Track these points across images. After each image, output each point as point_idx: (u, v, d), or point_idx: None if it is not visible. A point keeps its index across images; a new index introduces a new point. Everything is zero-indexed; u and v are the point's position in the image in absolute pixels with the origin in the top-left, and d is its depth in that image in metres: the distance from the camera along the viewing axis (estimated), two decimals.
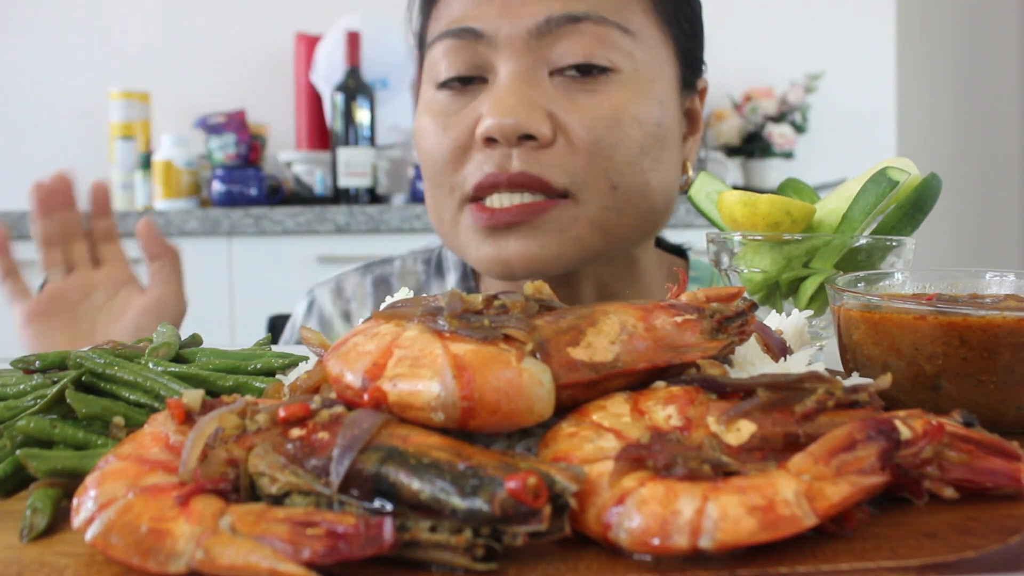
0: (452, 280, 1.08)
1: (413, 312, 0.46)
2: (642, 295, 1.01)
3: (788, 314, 0.64)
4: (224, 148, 2.57)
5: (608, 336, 0.45)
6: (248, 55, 2.89)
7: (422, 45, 0.96)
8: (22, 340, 1.00)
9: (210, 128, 2.60)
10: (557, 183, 0.84)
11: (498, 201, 0.85)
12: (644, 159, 0.86)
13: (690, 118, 0.97)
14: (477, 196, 0.86)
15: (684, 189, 0.95)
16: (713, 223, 0.80)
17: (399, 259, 1.12)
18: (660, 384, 0.45)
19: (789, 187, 0.81)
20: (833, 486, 0.37)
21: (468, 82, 0.88)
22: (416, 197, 2.52)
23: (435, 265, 1.10)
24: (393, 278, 1.10)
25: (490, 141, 0.84)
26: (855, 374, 0.56)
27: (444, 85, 0.89)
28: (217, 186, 2.51)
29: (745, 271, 0.72)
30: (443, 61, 0.88)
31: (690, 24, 0.94)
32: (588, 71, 0.85)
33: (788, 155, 2.76)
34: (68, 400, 0.49)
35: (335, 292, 1.12)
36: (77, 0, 2.85)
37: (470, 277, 1.07)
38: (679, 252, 1.12)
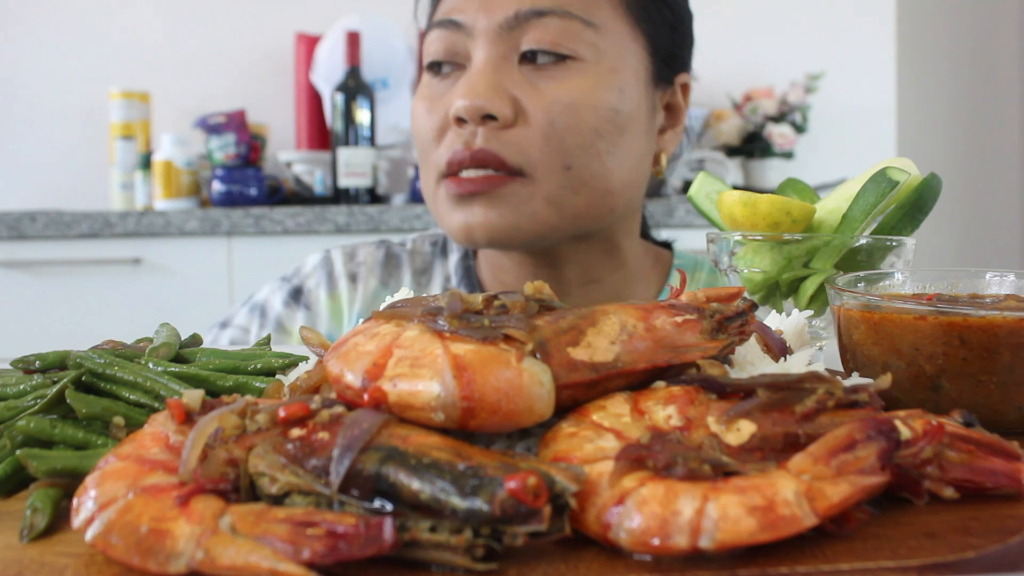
0: (454, 260, 1.14)
1: (413, 312, 0.46)
2: (627, 282, 1.06)
3: (788, 314, 0.64)
4: (224, 148, 2.57)
5: (608, 336, 0.45)
6: (248, 55, 2.89)
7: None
8: None
9: (210, 128, 2.59)
10: (511, 161, 0.92)
11: (466, 175, 0.94)
12: (599, 142, 0.93)
13: (670, 111, 1.04)
14: (449, 172, 0.95)
15: (657, 176, 1.03)
16: (713, 223, 0.80)
17: (411, 239, 1.19)
18: (660, 384, 0.45)
19: (789, 187, 0.82)
20: (833, 486, 0.37)
21: (450, 68, 0.98)
22: (416, 197, 2.52)
23: (440, 246, 1.17)
24: (403, 254, 1.16)
25: (460, 121, 0.93)
26: (855, 374, 0.56)
27: (428, 68, 0.99)
28: (217, 186, 2.51)
29: (745, 271, 0.72)
30: (431, 47, 0.98)
31: (666, 23, 1.00)
32: (551, 58, 0.93)
33: (788, 155, 2.76)
34: (68, 400, 0.49)
35: (348, 255, 1.16)
36: (77, 0, 2.85)
37: (470, 257, 1.14)
38: (665, 246, 1.18)
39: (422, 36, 1.05)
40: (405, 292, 0.60)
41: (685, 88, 1.05)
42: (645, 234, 1.15)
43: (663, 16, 1.00)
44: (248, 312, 1.14)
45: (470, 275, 1.12)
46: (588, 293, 1.04)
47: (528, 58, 0.93)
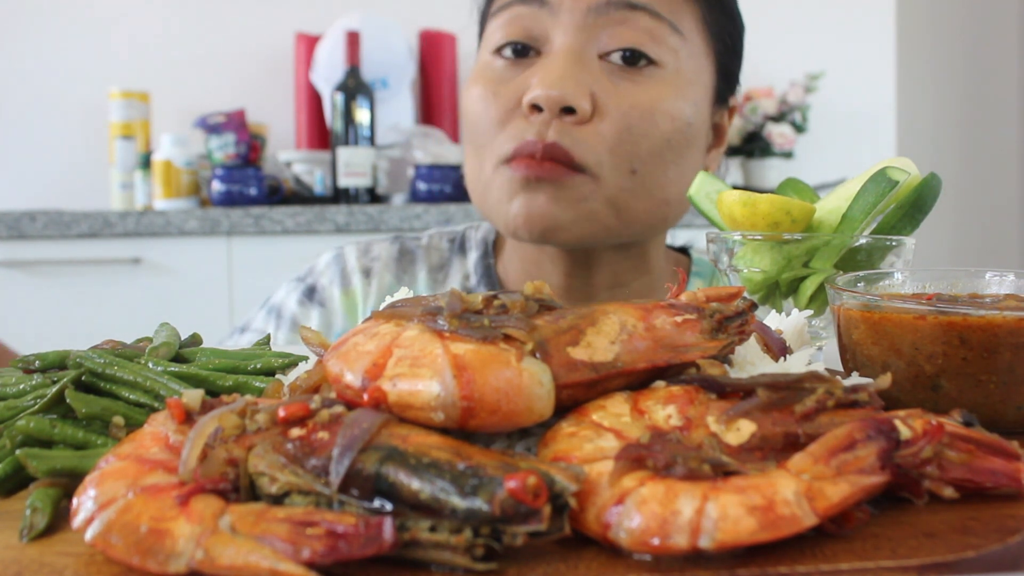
0: (473, 258, 1.12)
1: (413, 312, 0.46)
2: (651, 288, 1.06)
3: (788, 314, 0.64)
4: (224, 148, 2.57)
5: (608, 336, 0.45)
6: (248, 55, 2.89)
7: (484, 17, 1.02)
8: None
9: (210, 128, 2.59)
10: (580, 159, 0.90)
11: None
12: (667, 152, 0.93)
13: (717, 132, 1.04)
14: (513, 158, 0.92)
15: None
16: (713, 223, 0.80)
17: (427, 235, 1.17)
18: (660, 384, 0.45)
19: (789, 187, 0.81)
20: (833, 486, 0.37)
21: (523, 54, 0.94)
22: (415, 197, 2.52)
23: (459, 244, 1.16)
24: (419, 250, 1.15)
25: (535, 109, 0.90)
26: (855, 374, 0.56)
27: (499, 51, 0.95)
28: (217, 186, 2.51)
29: (745, 271, 0.72)
30: (504, 29, 0.94)
31: (732, 41, 1.00)
32: (634, 61, 0.91)
33: (788, 155, 2.76)
34: (68, 400, 0.49)
35: (362, 250, 1.15)
36: (77, 0, 2.85)
37: (490, 255, 1.12)
38: (683, 252, 1.17)
39: (481, 12, 1.03)
40: (405, 292, 0.60)
41: (732, 110, 1.05)
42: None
43: (731, 35, 1.00)
44: (265, 315, 1.14)
45: (490, 274, 1.10)
46: (613, 297, 1.04)
47: (608, 56, 0.91)
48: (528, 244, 1.02)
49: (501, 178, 0.94)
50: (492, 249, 1.13)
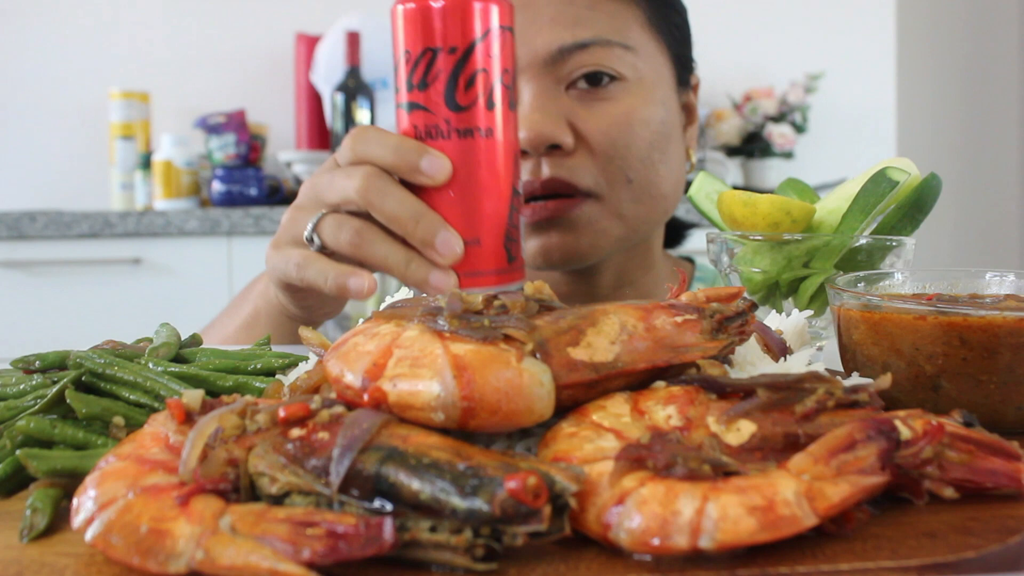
0: None
1: (413, 312, 0.46)
2: (656, 284, 1.10)
3: (788, 314, 0.64)
4: (224, 148, 2.57)
5: (608, 336, 0.45)
6: (248, 55, 2.89)
7: None
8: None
9: (210, 128, 2.60)
10: (582, 185, 0.94)
11: (535, 204, 0.95)
12: (653, 153, 0.98)
13: (687, 111, 1.09)
14: None
15: (691, 171, 1.08)
16: (713, 223, 0.80)
17: None
18: (660, 384, 0.45)
19: (789, 187, 0.82)
20: (833, 486, 0.37)
21: None
22: None
23: None
24: None
25: (522, 154, 0.93)
26: (855, 374, 0.56)
27: None
28: (217, 186, 2.51)
29: (745, 271, 0.72)
30: None
31: (679, 29, 1.05)
32: (597, 81, 0.96)
33: (788, 155, 2.76)
34: (68, 400, 0.49)
35: None
36: (77, 0, 2.85)
37: None
38: (688, 261, 1.22)
39: None
40: (405, 292, 0.60)
41: (695, 87, 1.10)
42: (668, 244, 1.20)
43: (675, 22, 1.04)
44: None
45: None
46: (622, 296, 1.07)
47: (573, 85, 0.96)
48: None
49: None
50: None
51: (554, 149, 0.93)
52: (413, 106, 0.72)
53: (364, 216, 0.73)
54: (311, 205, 0.78)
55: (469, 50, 0.70)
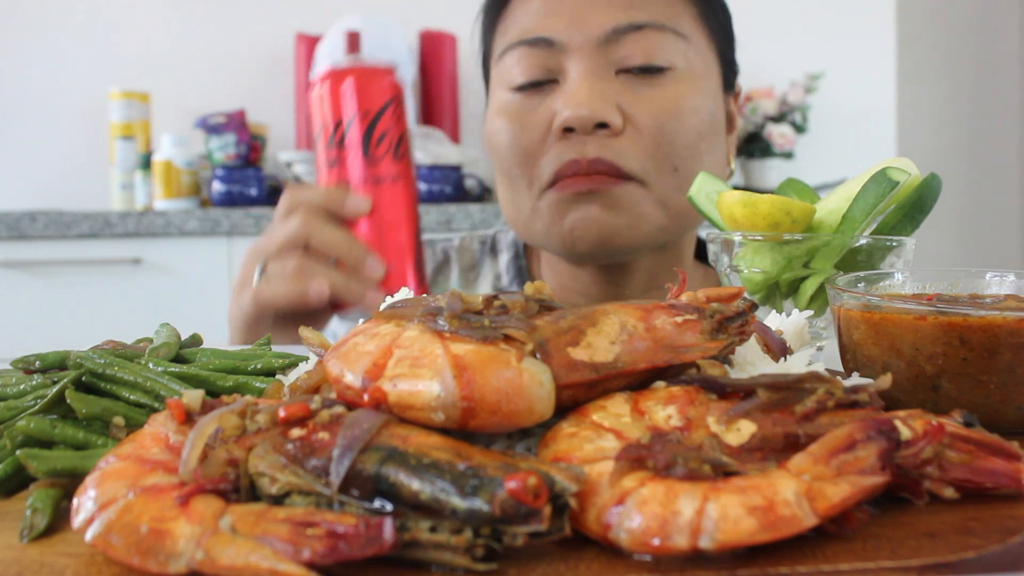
0: (505, 259, 1.16)
1: (413, 312, 0.46)
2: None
3: (788, 314, 0.64)
4: (224, 148, 2.57)
5: (608, 336, 0.45)
6: (248, 55, 2.89)
7: (487, 56, 1.06)
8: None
9: (210, 128, 2.59)
10: (627, 168, 0.94)
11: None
12: (700, 144, 0.97)
13: (728, 118, 1.09)
14: (556, 182, 0.96)
15: (730, 177, 1.08)
16: (713, 223, 0.80)
17: (458, 237, 1.22)
18: (660, 384, 0.45)
19: (789, 187, 0.81)
20: (833, 486, 0.37)
21: (539, 85, 0.98)
22: None
23: (489, 246, 1.20)
24: (452, 251, 1.19)
25: (567, 131, 0.93)
26: (855, 374, 0.56)
27: (519, 89, 0.99)
28: (217, 186, 2.51)
29: (745, 271, 0.72)
30: (517, 67, 0.98)
31: (725, 29, 1.06)
32: (649, 70, 0.96)
33: (788, 155, 2.76)
34: (68, 400, 0.49)
35: None
36: (77, 0, 2.85)
37: (521, 256, 1.16)
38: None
39: (483, 52, 1.07)
40: (405, 292, 0.60)
41: (737, 95, 1.11)
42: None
43: (724, 25, 1.06)
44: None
45: (522, 274, 1.13)
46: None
47: (625, 69, 0.96)
48: (561, 259, 1.05)
49: (547, 202, 0.97)
50: (523, 250, 1.16)
51: (601, 128, 0.93)
52: (332, 163, 0.87)
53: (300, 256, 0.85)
54: (257, 259, 0.89)
55: (379, 113, 0.86)
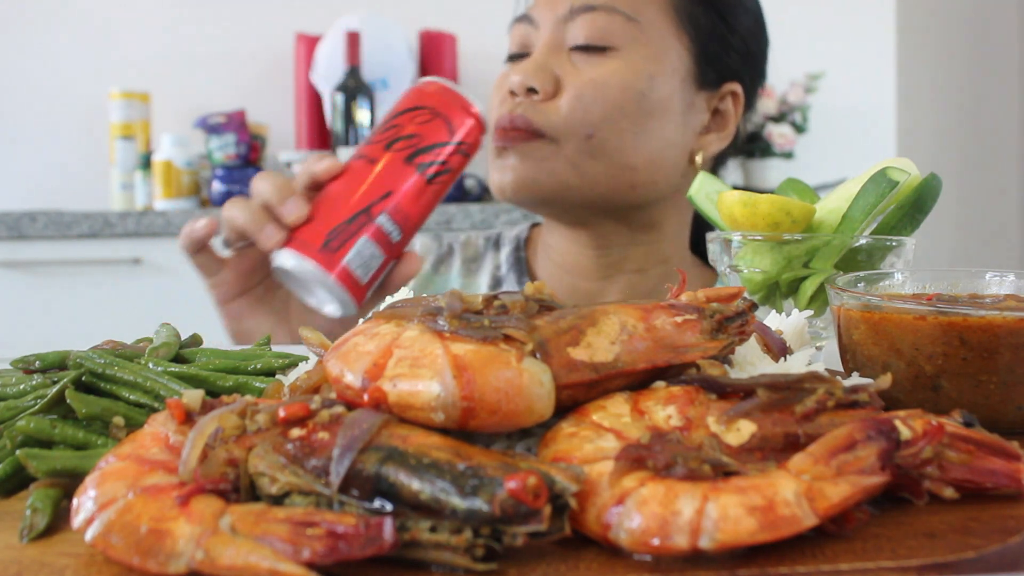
0: (506, 251, 1.28)
1: (413, 312, 0.46)
2: (667, 278, 1.17)
3: (788, 314, 0.64)
4: (224, 148, 2.57)
5: (608, 336, 0.45)
6: (248, 55, 2.89)
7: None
8: (225, 321, 1.07)
9: (210, 128, 2.59)
10: (537, 124, 1.07)
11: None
12: (621, 120, 1.07)
13: (718, 116, 1.15)
14: (493, 134, 1.11)
15: (693, 174, 1.12)
16: (713, 223, 0.80)
17: (464, 233, 1.34)
18: (660, 384, 0.45)
19: (789, 187, 0.81)
20: (833, 486, 0.37)
21: (519, 58, 1.14)
22: None
23: (494, 241, 1.31)
24: (456, 244, 1.31)
25: (512, 94, 1.09)
26: (855, 374, 0.56)
27: (509, 59, 1.17)
28: (217, 186, 2.51)
29: (745, 271, 0.72)
30: (512, 42, 1.16)
31: (715, 29, 1.12)
32: (591, 48, 1.08)
33: (788, 155, 2.76)
34: (68, 400, 0.49)
35: None
36: (77, 0, 2.85)
37: (522, 248, 1.27)
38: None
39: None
40: (405, 292, 0.60)
41: (735, 97, 1.15)
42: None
43: (711, 23, 1.12)
44: None
45: (520, 265, 1.24)
46: (633, 285, 1.16)
47: (578, 47, 1.08)
48: (553, 234, 1.19)
49: (490, 154, 1.14)
50: (524, 244, 1.28)
51: (531, 93, 1.07)
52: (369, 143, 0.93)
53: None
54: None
55: (400, 113, 0.91)
